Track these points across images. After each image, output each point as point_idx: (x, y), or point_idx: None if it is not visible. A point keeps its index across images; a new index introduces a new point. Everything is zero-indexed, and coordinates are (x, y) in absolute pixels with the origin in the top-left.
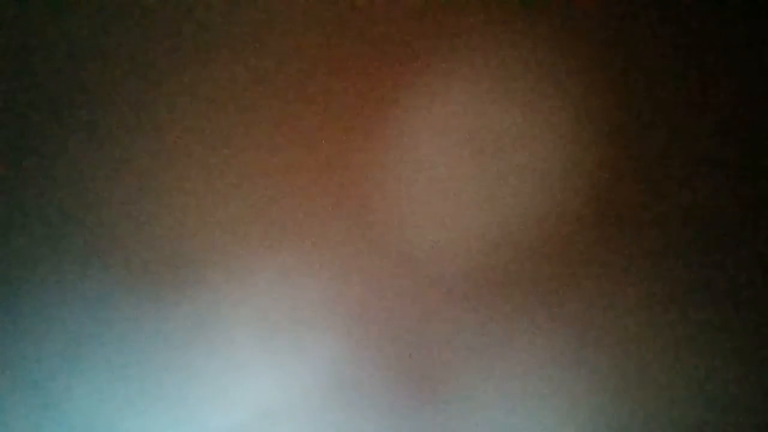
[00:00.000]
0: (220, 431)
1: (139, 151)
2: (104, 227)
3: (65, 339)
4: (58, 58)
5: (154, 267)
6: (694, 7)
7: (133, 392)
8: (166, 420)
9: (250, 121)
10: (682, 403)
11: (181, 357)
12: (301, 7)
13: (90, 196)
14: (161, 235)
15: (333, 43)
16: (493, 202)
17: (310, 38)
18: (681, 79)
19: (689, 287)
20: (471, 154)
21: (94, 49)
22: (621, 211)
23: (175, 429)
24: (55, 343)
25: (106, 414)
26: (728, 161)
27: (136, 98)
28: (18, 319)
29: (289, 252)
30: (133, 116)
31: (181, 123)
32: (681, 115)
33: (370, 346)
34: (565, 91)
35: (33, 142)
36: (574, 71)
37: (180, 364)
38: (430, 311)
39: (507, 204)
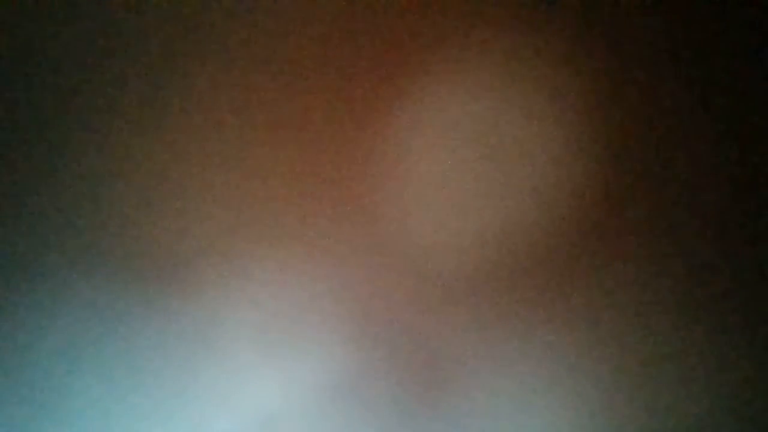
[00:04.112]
0: None
1: (138, 152)
2: (104, 229)
3: (64, 343)
4: (58, 58)
5: (153, 269)
6: (695, 9)
7: (132, 396)
8: (166, 425)
9: (250, 121)
10: (682, 404)
11: (182, 361)
12: (302, 8)
13: (89, 197)
14: (161, 237)
15: (334, 44)
16: (493, 203)
17: (310, 38)
18: (682, 80)
19: (689, 287)
20: (472, 155)
21: (95, 49)
22: (621, 212)
23: None
24: (54, 347)
25: (106, 419)
26: (729, 162)
27: (135, 99)
28: (17, 323)
29: (290, 254)
30: (132, 117)
31: (180, 123)
32: (681, 116)
33: (371, 349)
34: (566, 93)
35: (32, 143)
36: (575, 73)
37: (180, 368)
38: (431, 313)
39: (508, 204)
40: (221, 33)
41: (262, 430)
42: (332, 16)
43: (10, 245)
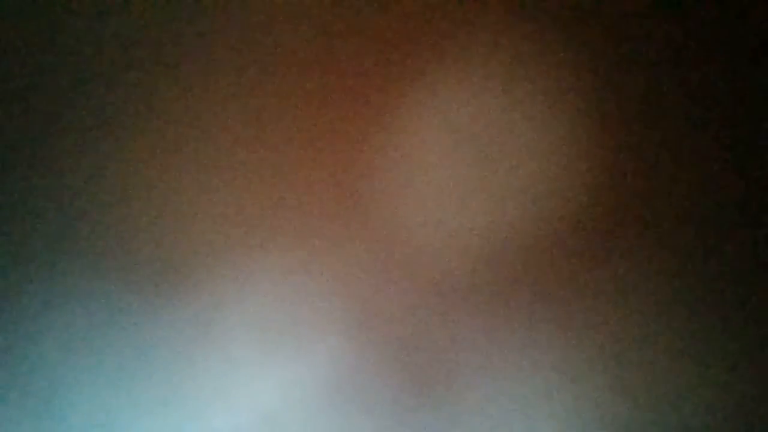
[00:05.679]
0: None
1: (138, 152)
2: (103, 229)
3: (64, 342)
4: (58, 57)
5: (153, 268)
6: (695, 9)
7: (131, 395)
8: (165, 422)
9: (249, 121)
10: (683, 404)
11: (181, 359)
12: (302, 7)
13: (88, 197)
14: (160, 236)
15: (333, 43)
16: (493, 203)
17: (310, 38)
18: (682, 80)
19: (689, 287)
20: (471, 155)
21: (93, 49)
22: (621, 212)
23: (174, 431)
24: (54, 346)
25: (105, 417)
26: (728, 161)
27: (135, 99)
28: (16, 322)
29: (289, 253)
30: (131, 117)
31: (179, 123)
32: (681, 116)
33: (371, 348)
34: (565, 92)
35: (32, 144)
36: (574, 71)
37: (180, 366)
38: (431, 312)
39: (507, 205)
40: (221, 33)
41: (261, 427)
42: (332, 17)
43: (9, 245)
